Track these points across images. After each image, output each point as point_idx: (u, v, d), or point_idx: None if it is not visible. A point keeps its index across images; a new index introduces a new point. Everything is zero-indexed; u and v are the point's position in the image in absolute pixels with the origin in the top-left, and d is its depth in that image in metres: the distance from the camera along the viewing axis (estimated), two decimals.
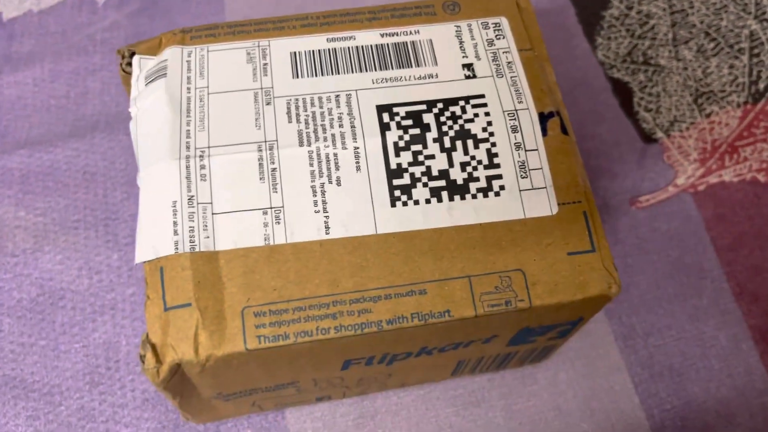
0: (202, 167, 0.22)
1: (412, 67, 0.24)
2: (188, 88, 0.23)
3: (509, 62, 0.24)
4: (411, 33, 0.25)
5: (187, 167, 0.22)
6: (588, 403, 0.30)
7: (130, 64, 0.24)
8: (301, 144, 0.22)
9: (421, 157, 0.23)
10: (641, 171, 0.35)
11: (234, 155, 0.22)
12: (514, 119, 0.23)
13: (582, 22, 0.39)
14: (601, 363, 0.30)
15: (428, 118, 0.23)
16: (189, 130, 0.22)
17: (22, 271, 0.32)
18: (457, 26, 0.25)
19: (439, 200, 0.22)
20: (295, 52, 0.24)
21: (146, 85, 0.24)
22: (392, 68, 0.24)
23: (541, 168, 0.23)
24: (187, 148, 0.22)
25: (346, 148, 0.22)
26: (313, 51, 0.24)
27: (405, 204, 0.22)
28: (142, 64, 0.24)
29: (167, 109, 0.23)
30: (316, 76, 0.24)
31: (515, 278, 0.22)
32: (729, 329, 0.31)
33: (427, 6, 0.26)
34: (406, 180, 0.22)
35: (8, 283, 0.31)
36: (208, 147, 0.22)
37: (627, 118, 0.36)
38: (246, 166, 0.22)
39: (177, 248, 0.21)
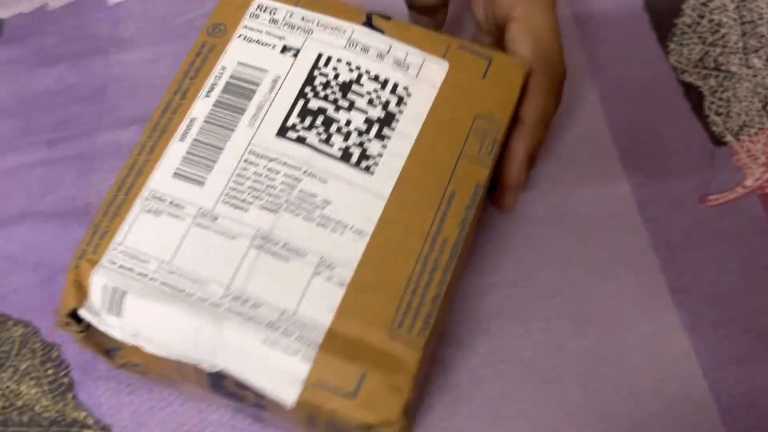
0: (245, 300, 0.22)
1: (254, 94, 0.25)
2: (155, 271, 0.23)
3: (301, 16, 0.26)
4: (218, 74, 0.26)
5: (235, 307, 0.22)
6: (659, 386, 0.32)
7: (73, 321, 0.23)
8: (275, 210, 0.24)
9: (346, 128, 0.25)
10: (711, 171, 0.36)
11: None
12: (354, 40, 0.26)
13: (655, 28, 0.41)
14: (670, 350, 0.32)
15: (314, 103, 0.25)
16: (205, 292, 0.22)
17: None
18: (242, 33, 0.27)
19: (381, 137, 0.25)
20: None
21: (119, 314, 0.22)
22: (245, 108, 0.25)
23: (407, 50, 0.26)
24: (228, 290, 0.22)
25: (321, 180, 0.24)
26: (187, 160, 0.24)
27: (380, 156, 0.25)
28: (91, 307, 0.23)
29: (178, 307, 0.22)
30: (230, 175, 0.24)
31: (486, 126, 0.25)
32: None
33: (204, 45, 0.27)
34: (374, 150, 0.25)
35: None
36: (226, 293, 0.22)
37: (698, 121, 0.38)
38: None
39: (306, 358, 0.22)
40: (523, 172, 0.29)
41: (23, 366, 0.32)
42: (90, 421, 0.31)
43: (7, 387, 0.31)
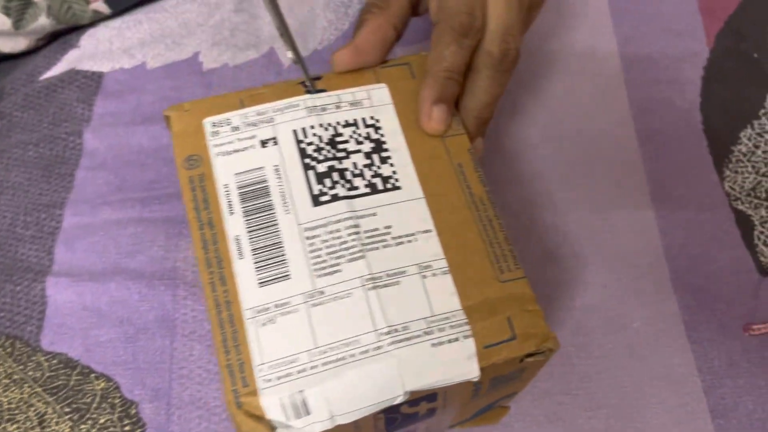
0: (396, 329, 0.26)
1: (269, 188, 0.28)
2: (310, 361, 0.25)
3: (255, 112, 0.29)
4: (226, 193, 0.28)
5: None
6: None
7: None
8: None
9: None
10: (756, 301, 0.39)
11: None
12: (310, 107, 0.30)
13: (712, 153, 0.43)
14: None
15: (321, 167, 0.28)
16: None
17: None
18: (217, 152, 0.29)
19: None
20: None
21: (308, 412, 0.24)
22: (272, 203, 0.27)
23: (352, 92, 0.30)
24: (377, 332, 0.25)
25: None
26: (261, 268, 0.26)
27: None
28: (282, 424, 0.24)
29: None
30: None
31: None
32: None
33: (191, 180, 0.28)
34: None
35: (201, 314, 0.36)
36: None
37: (747, 250, 0.40)
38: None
39: None
40: (434, 114, 0.30)
41: (102, 420, 0.34)
42: None
43: None
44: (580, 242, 0.40)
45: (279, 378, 0.25)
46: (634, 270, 0.39)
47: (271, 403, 0.24)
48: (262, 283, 0.26)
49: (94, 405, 0.34)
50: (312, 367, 0.25)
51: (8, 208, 0.39)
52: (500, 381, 0.28)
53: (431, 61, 0.31)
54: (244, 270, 0.26)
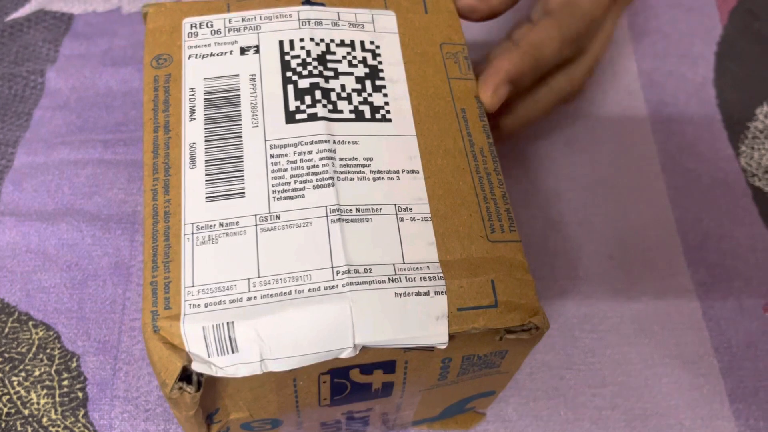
0: (356, 270, 0.21)
1: (239, 97, 0.24)
2: (248, 290, 0.21)
3: (240, 18, 0.26)
4: (191, 97, 0.24)
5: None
6: None
7: (186, 385, 0.20)
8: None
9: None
10: None
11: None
12: (304, 19, 0.26)
13: (727, 128, 0.40)
14: None
15: (303, 83, 0.25)
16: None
17: None
18: (190, 54, 0.25)
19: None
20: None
21: (234, 349, 0.20)
22: (239, 114, 0.24)
23: (354, 12, 0.27)
24: (334, 269, 0.21)
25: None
26: (212, 181, 0.23)
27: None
28: (199, 358, 0.20)
29: None
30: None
31: (453, 50, 0.27)
32: None
33: (157, 79, 0.25)
34: None
35: None
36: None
37: (765, 227, 0.37)
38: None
39: None
40: (500, 91, 0.27)
41: (37, 372, 0.29)
42: None
43: (16, 392, 0.29)
44: (585, 210, 0.37)
45: (208, 305, 0.20)
46: (644, 242, 0.36)
47: (193, 332, 0.20)
48: (210, 198, 0.22)
49: (30, 355, 0.30)
50: (249, 299, 0.20)
51: None
52: (475, 365, 0.24)
53: (531, 42, 0.28)
54: (193, 181, 0.22)
